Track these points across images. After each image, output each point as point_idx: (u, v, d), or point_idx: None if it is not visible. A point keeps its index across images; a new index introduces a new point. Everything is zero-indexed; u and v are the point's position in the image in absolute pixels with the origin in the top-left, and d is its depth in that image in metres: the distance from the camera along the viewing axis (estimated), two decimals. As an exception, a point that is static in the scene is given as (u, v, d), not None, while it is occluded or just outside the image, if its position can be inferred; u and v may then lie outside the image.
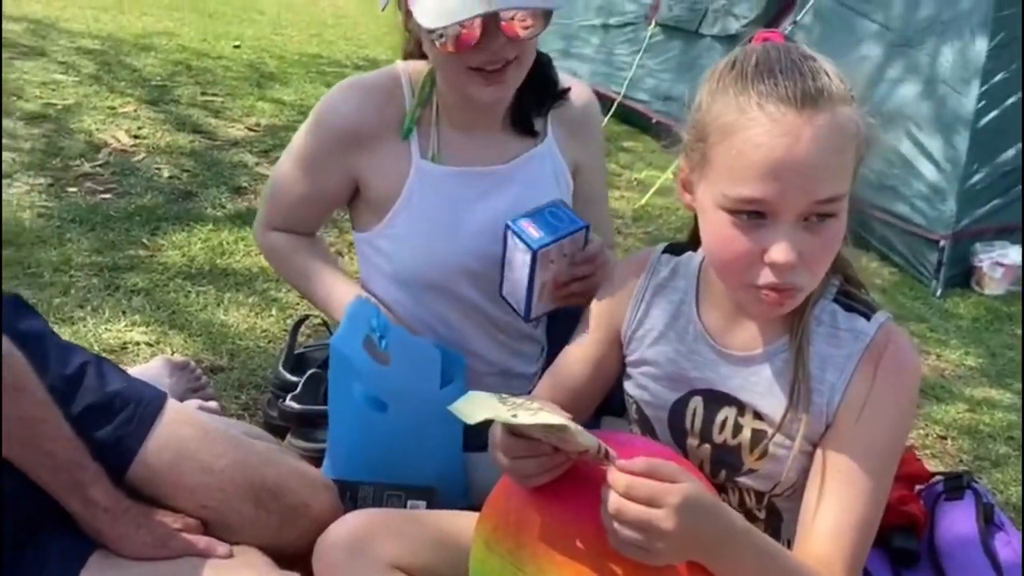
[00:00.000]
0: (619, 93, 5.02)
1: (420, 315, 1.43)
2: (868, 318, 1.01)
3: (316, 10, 7.66)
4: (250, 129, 3.71)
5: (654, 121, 4.73)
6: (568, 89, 1.47)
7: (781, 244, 0.90)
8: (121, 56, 4.56)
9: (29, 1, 5.63)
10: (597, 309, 1.19)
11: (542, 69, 1.42)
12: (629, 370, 1.16)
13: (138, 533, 1.10)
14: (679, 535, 0.82)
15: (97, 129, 3.36)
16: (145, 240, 2.47)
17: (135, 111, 3.67)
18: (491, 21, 1.24)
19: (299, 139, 1.45)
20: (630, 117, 4.95)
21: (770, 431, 1.01)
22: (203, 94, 4.14)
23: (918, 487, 1.35)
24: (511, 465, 0.93)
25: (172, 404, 1.23)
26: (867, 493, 0.96)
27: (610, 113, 4.98)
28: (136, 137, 3.36)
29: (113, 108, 3.65)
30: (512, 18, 1.25)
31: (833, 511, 0.95)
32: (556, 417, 0.83)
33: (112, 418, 1.14)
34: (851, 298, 1.03)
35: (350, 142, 1.40)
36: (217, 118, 3.82)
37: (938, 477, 1.34)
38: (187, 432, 1.19)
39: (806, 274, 0.94)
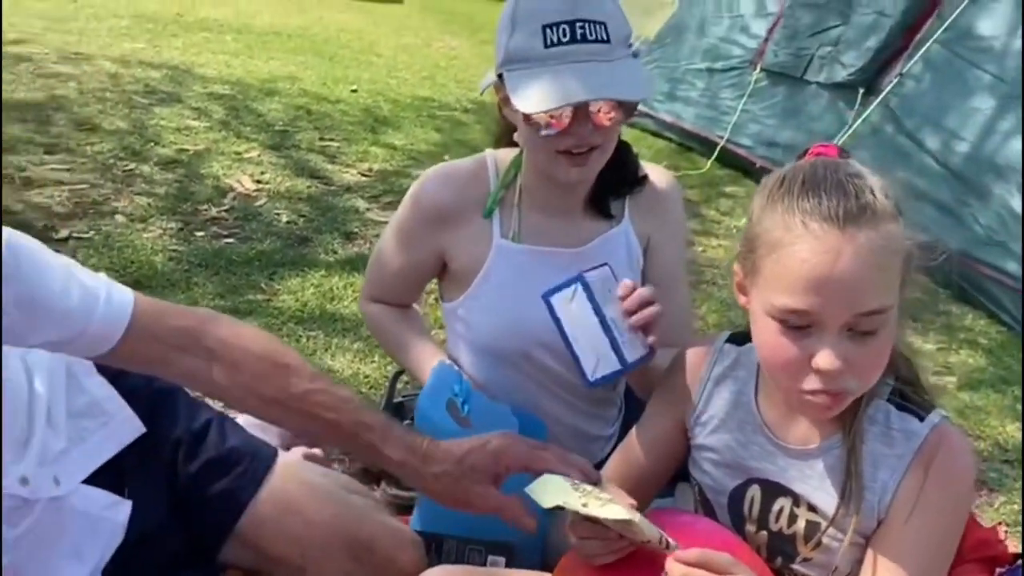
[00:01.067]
0: (722, 137, 5.03)
1: (498, 381, 1.51)
2: (921, 419, 1.03)
3: (430, 52, 7.95)
4: (363, 174, 3.90)
5: (757, 166, 4.71)
6: (645, 176, 1.53)
7: (826, 352, 0.95)
8: (248, 101, 4.87)
9: (169, 48, 6.07)
10: (662, 393, 1.25)
11: (622, 155, 1.50)
12: (693, 454, 1.21)
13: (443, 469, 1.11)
14: None
15: (224, 174, 3.61)
16: (263, 284, 2.65)
17: (259, 156, 3.93)
18: (582, 110, 1.32)
19: (397, 217, 1.56)
20: (733, 161, 4.95)
21: (823, 524, 1.05)
22: (321, 139, 4.38)
23: (999, 570, 1.34)
24: (579, 544, 1.00)
25: (282, 460, 1.35)
26: None
27: (713, 157, 5.00)
28: (259, 182, 3.60)
29: (239, 153, 3.91)
30: (599, 109, 1.33)
31: None
32: (623, 511, 0.90)
33: (229, 471, 1.27)
34: (905, 398, 1.06)
35: (438, 221, 1.50)
36: (333, 163, 4.04)
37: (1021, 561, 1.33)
38: (294, 488, 1.31)
39: (854, 380, 0.97)
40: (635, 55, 1.39)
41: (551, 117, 1.32)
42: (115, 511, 1.17)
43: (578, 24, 1.31)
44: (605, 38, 1.32)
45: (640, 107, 6.44)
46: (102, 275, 1.11)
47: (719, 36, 5.35)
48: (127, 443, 1.20)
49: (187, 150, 3.84)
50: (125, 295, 1.09)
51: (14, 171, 3.23)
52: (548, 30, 1.31)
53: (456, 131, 5.06)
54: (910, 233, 0.97)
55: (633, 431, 1.27)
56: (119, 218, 2.99)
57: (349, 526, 1.30)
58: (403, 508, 1.63)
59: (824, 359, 0.94)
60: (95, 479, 1.17)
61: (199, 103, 4.68)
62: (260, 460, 1.29)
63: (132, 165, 3.53)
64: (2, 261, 0.85)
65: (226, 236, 3.00)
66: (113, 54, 5.51)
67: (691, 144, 5.42)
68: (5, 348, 1.02)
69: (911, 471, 1.01)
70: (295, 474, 1.34)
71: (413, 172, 4.10)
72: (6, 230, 0.99)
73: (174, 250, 2.81)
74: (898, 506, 1.01)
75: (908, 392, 1.07)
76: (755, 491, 1.12)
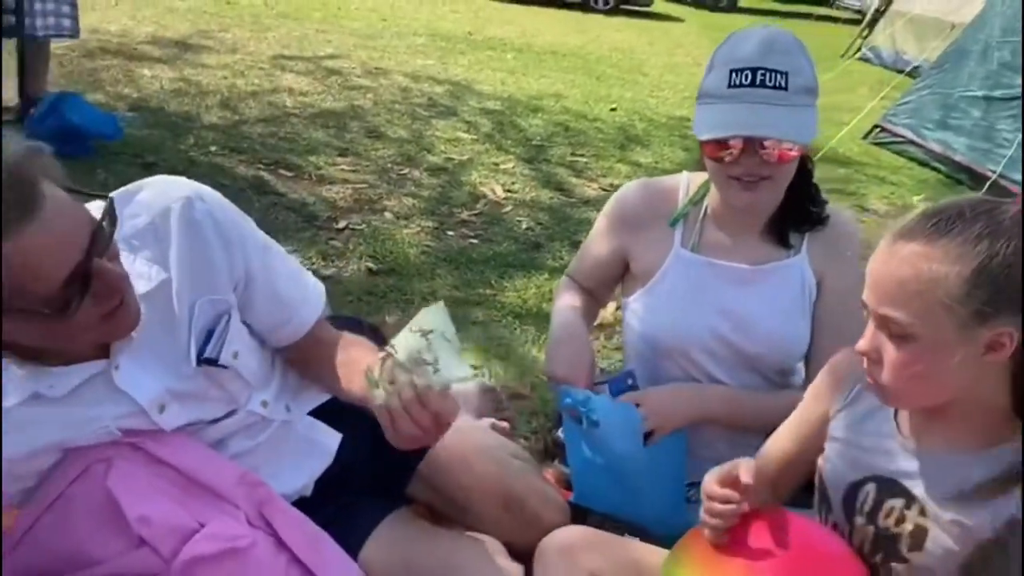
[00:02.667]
0: (994, 172, 4.72)
1: (656, 372, 1.69)
2: None
3: (698, 71, 8.04)
4: (603, 189, 4.17)
5: (1027, 206, 4.38)
6: (827, 217, 1.64)
7: (864, 336, 1.09)
8: (514, 116, 5.33)
9: (455, 65, 6.74)
10: (816, 387, 1.36)
11: (809, 193, 1.63)
12: (826, 444, 1.32)
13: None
14: None
15: (480, 182, 4.04)
16: (493, 281, 3.00)
17: (513, 167, 4.33)
18: (750, 143, 1.48)
19: (602, 213, 1.80)
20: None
21: (931, 528, 1.13)
22: (572, 154, 4.71)
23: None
24: (705, 520, 1.20)
25: (462, 422, 1.64)
26: None
27: (983, 191, 4.70)
28: (509, 191, 3.99)
29: (496, 164, 4.34)
30: (765, 145, 1.48)
31: None
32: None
33: (416, 424, 1.58)
34: None
35: (627, 224, 1.72)
36: (578, 177, 4.35)
37: None
38: (468, 445, 1.59)
39: (885, 374, 1.08)
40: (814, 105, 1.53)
41: (722, 146, 1.50)
42: (328, 440, 1.52)
43: (760, 71, 1.47)
44: (783, 86, 1.46)
45: (908, 134, 6.20)
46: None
47: (1002, 62, 5.01)
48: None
49: (453, 159, 4.33)
50: (313, 313, 1.42)
51: (312, 169, 3.87)
52: (734, 73, 1.48)
53: (705, 152, 5.17)
54: (971, 291, 1.02)
55: (785, 421, 1.41)
56: (387, 215, 3.49)
57: (507, 482, 1.56)
58: (569, 484, 1.87)
59: (859, 341, 1.09)
60: (318, 414, 1.53)
61: (471, 117, 5.20)
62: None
63: (406, 170, 4.07)
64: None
65: (471, 237, 3.40)
66: (407, 69, 6.24)
67: (959, 176, 5.13)
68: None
69: None
70: (471, 435, 1.62)
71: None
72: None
73: (427, 245, 3.24)
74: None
75: None
76: (871, 487, 1.22)
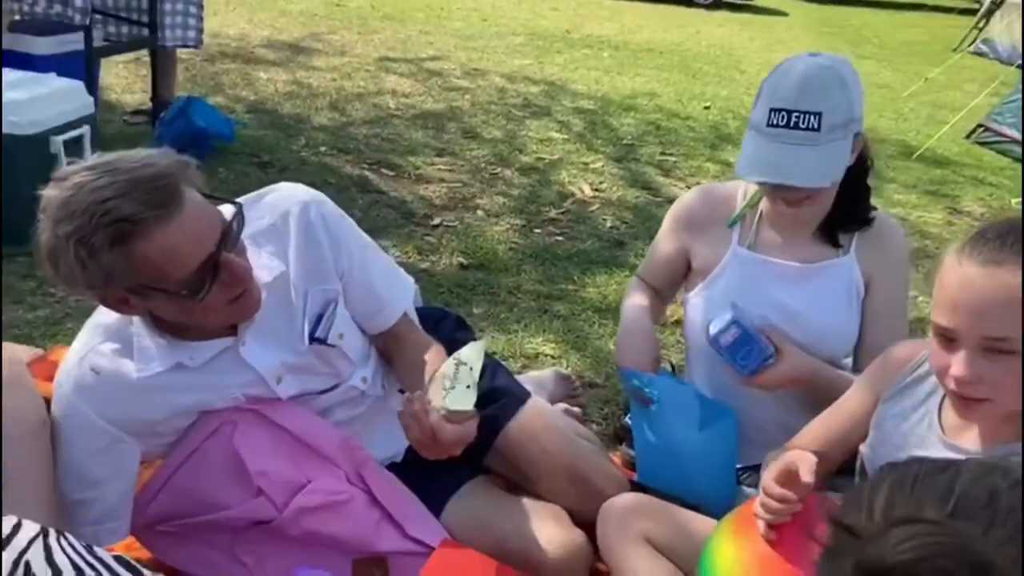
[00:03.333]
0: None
1: (715, 364, 1.85)
2: None
3: (797, 68, 7.99)
4: (689, 188, 4.29)
5: None
6: (873, 219, 1.78)
7: (957, 360, 1.20)
8: (606, 116, 5.49)
9: (551, 64, 6.92)
10: (871, 373, 1.49)
11: (858, 197, 1.76)
12: (871, 429, 1.46)
13: None
14: None
15: (569, 181, 4.23)
16: (575, 277, 3.19)
17: (602, 167, 4.50)
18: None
19: (667, 215, 1.98)
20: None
21: None
22: (662, 153, 4.84)
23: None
24: (764, 503, 1.35)
25: (535, 403, 1.84)
26: None
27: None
28: (596, 190, 4.16)
29: (586, 164, 4.52)
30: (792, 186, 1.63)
31: None
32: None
33: (495, 402, 1.78)
34: None
35: (689, 225, 1.89)
36: (667, 176, 4.49)
37: None
38: (539, 423, 1.80)
39: (990, 392, 1.19)
40: (856, 133, 1.67)
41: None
42: (417, 414, 1.75)
43: (795, 114, 1.61)
44: (816, 127, 1.60)
45: (1014, 133, 6.09)
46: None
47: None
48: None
49: (544, 158, 4.53)
50: (401, 306, 1.64)
51: (411, 168, 4.13)
52: (772, 112, 1.63)
53: (797, 151, 5.21)
54: None
55: (840, 402, 1.53)
56: (479, 212, 3.72)
57: (573, 459, 1.76)
58: (634, 466, 2.04)
59: (955, 366, 1.20)
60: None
61: (564, 116, 5.39)
62: (516, 398, 1.80)
63: (498, 169, 4.29)
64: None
65: (557, 234, 3.60)
66: (504, 70, 6.47)
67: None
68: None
69: None
70: (542, 414, 1.82)
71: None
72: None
73: (514, 242, 3.45)
74: None
75: None
76: None
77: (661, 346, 2.26)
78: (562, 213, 3.83)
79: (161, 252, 1.23)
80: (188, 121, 3.82)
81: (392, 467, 1.71)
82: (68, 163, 1.33)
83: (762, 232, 1.83)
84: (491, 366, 1.84)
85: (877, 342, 1.71)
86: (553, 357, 2.63)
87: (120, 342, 1.42)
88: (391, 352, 1.67)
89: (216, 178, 3.66)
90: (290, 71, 5.68)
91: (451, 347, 1.67)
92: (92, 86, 3.57)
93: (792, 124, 1.60)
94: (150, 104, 4.25)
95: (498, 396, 1.80)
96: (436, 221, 3.57)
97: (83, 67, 3.52)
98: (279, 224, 1.50)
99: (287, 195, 1.52)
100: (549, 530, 1.66)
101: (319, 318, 1.53)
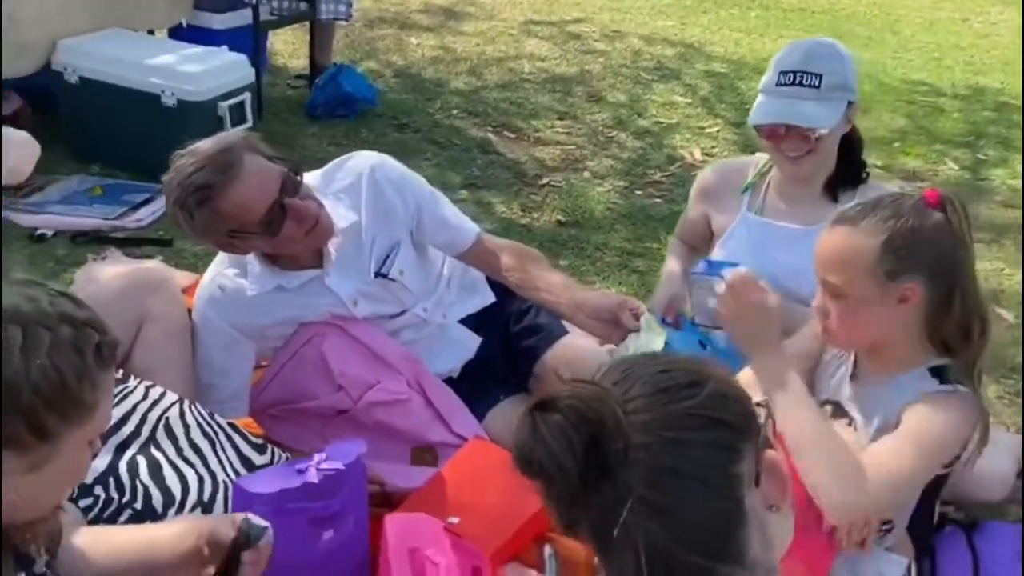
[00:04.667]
0: None
1: None
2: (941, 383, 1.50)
3: (961, 29, 7.70)
4: (800, 155, 4.46)
5: None
6: (867, 175, 2.06)
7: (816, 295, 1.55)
8: (736, 80, 5.65)
9: (693, 26, 7.07)
10: (813, 328, 1.81)
11: (853, 159, 2.06)
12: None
13: None
14: None
15: (681, 145, 4.51)
16: (662, 237, 3.52)
17: (718, 132, 4.73)
18: (792, 127, 1.94)
19: (693, 185, 2.32)
20: None
21: (861, 441, 1.56)
22: (782, 119, 4.98)
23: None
24: None
25: (571, 337, 2.24)
26: None
27: None
28: (707, 155, 4.42)
29: (702, 128, 4.77)
30: (796, 130, 1.93)
31: None
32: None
33: (534, 335, 2.20)
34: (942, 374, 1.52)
35: (707, 194, 2.22)
36: (780, 142, 4.65)
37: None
38: (572, 354, 2.20)
39: (830, 324, 1.53)
40: (850, 102, 1.95)
41: (770, 130, 1.98)
42: (471, 342, 2.19)
43: (799, 73, 1.95)
44: (817, 85, 1.93)
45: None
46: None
47: None
48: (485, 306, 2.22)
49: (662, 123, 4.82)
50: (473, 230, 2.08)
51: (531, 131, 4.55)
52: (781, 75, 1.97)
53: (929, 119, 5.19)
54: (882, 257, 1.46)
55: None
56: (586, 174, 4.10)
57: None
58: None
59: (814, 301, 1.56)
60: (464, 321, 2.20)
61: (693, 80, 5.60)
62: (554, 333, 2.20)
63: (614, 133, 4.63)
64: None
65: (657, 197, 3.92)
66: (644, 32, 6.70)
67: None
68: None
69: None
70: (574, 347, 2.22)
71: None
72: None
73: (613, 202, 3.81)
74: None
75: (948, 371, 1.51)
76: (828, 408, 1.67)
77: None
78: (666, 176, 4.13)
79: (234, 205, 1.73)
80: (337, 86, 4.40)
81: (447, 381, 2.17)
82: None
83: (769, 199, 2.14)
84: (534, 307, 2.25)
85: None
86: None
87: (239, 268, 1.95)
88: (479, 264, 2.10)
89: (359, 138, 4.23)
90: (439, 36, 6.18)
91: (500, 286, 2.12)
92: (259, 56, 4.20)
93: (796, 82, 1.95)
94: (309, 71, 4.87)
95: (539, 330, 2.22)
96: (544, 181, 3.98)
97: (251, 39, 4.14)
98: (354, 183, 1.97)
99: (360, 161, 2.00)
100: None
101: (385, 258, 2.00)
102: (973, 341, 1.49)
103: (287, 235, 1.79)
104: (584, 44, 6.26)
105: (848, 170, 2.07)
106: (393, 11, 6.76)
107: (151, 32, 4.10)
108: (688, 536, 0.85)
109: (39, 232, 3.18)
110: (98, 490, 1.57)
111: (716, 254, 2.20)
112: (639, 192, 3.95)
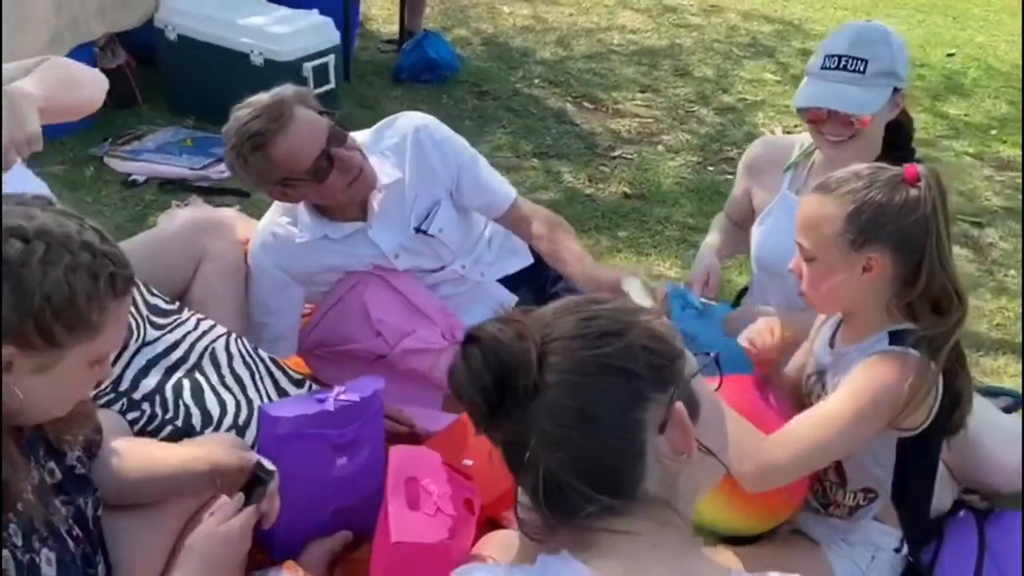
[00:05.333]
0: None
1: (764, 289, 2.21)
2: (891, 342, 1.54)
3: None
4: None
5: None
6: (913, 152, 2.05)
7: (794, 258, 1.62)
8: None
9: (797, 2, 6.92)
10: None
11: (900, 136, 2.05)
12: None
13: None
14: None
15: (762, 123, 4.47)
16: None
17: (802, 111, 4.66)
18: (833, 111, 1.96)
19: (740, 161, 2.35)
20: None
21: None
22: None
23: None
24: None
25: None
26: None
27: None
28: (787, 133, 4.36)
29: (787, 106, 4.70)
30: (840, 114, 1.94)
31: None
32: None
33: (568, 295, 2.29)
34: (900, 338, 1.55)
35: (751, 170, 2.26)
36: (868, 124, 4.56)
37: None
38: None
39: (803, 286, 1.59)
40: (895, 89, 1.96)
41: (813, 112, 2.00)
42: (507, 299, 2.30)
43: (844, 58, 1.95)
44: (862, 71, 1.93)
45: None
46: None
47: None
48: (521, 267, 2.32)
49: (746, 99, 4.78)
50: (509, 195, 2.18)
51: (611, 103, 4.59)
52: (827, 58, 1.98)
53: (1030, 104, 4.98)
54: (848, 226, 1.51)
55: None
56: (660, 147, 4.13)
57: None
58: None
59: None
60: (503, 281, 2.32)
61: (786, 58, 5.51)
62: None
63: (695, 108, 4.63)
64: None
65: (729, 173, 3.92)
66: (744, 7, 6.59)
67: None
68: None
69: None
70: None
71: (943, 144, 4.40)
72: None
73: (682, 177, 3.84)
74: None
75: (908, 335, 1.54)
76: (814, 376, 1.72)
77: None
78: (740, 153, 4.11)
79: (285, 152, 1.88)
80: (423, 52, 4.55)
81: (483, 335, 2.29)
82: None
83: (811, 180, 2.15)
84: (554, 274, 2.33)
85: None
86: (676, 280, 3.05)
87: (291, 217, 2.11)
88: (513, 228, 2.22)
89: (439, 103, 4.38)
90: (532, 5, 6.25)
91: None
92: (349, 20, 4.37)
93: (841, 66, 1.95)
94: (399, 35, 5.03)
95: (573, 293, 2.31)
96: (616, 153, 4.03)
97: (341, 3, 4.32)
98: (400, 142, 2.10)
99: (407, 121, 2.12)
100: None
101: (426, 215, 2.12)
102: (946, 317, 1.51)
103: (332, 184, 1.94)
104: (679, 17, 6.22)
105: (894, 157, 2.05)
106: (490, -22, 6.86)
107: (248, -6, 4.32)
108: (583, 469, 0.93)
109: (132, 178, 3.45)
110: (145, 406, 1.76)
111: (754, 231, 2.23)
112: (711, 168, 3.96)
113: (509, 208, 2.19)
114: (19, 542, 1.14)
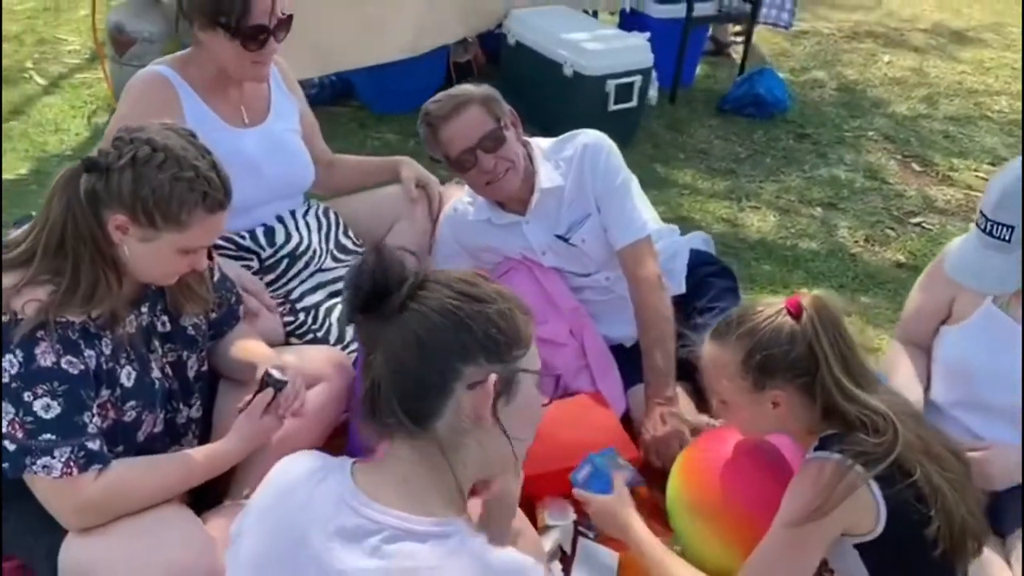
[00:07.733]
0: None
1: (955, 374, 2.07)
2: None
3: None
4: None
5: None
6: None
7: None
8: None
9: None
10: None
11: None
12: None
13: None
14: None
15: None
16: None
17: None
18: None
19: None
20: None
21: None
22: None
23: None
24: None
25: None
26: None
27: None
28: None
29: None
30: None
31: None
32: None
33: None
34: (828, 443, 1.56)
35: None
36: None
37: None
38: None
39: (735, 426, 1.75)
40: None
41: None
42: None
43: (992, 224, 1.80)
44: (1007, 239, 1.79)
45: None
46: None
47: None
48: (672, 295, 2.46)
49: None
50: (635, 234, 2.34)
51: (944, 169, 4.29)
52: (980, 215, 1.84)
53: None
54: (744, 371, 1.59)
55: None
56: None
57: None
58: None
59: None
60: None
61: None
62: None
63: None
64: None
65: None
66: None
67: None
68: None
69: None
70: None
71: None
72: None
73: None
74: None
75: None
76: None
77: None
78: None
79: (447, 136, 2.25)
80: (751, 86, 4.67)
81: (618, 348, 2.48)
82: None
83: (1016, 297, 2.00)
84: (721, 308, 2.42)
85: None
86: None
87: (472, 197, 2.50)
88: (624, 266, 2.38)
89: (749, 138, 4.48)
90: (922, 58, 5.93)
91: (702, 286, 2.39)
92: (684, 49, 4.64)
93: (988, 231, 1.83)
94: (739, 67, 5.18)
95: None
96: (915, 220, 3.81)
97: (679, 31, 4.61)
98: (571, 155, 2.38)
99: (582, 138, 2.38)
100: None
101: (573, 224, 2.38)
102: (879, 436, 1.50)
103: (471, 180, 2.30)
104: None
105: None
106: (893, 26, 6.62)
107: (595, 13, 4.78)
108: (398, 384, 1.16)
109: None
110: (301, 315, 2.28)
111: (952, 331, 2.08)
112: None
113: (628, 244, 2.34)
114: (107, 351, 1.66)
